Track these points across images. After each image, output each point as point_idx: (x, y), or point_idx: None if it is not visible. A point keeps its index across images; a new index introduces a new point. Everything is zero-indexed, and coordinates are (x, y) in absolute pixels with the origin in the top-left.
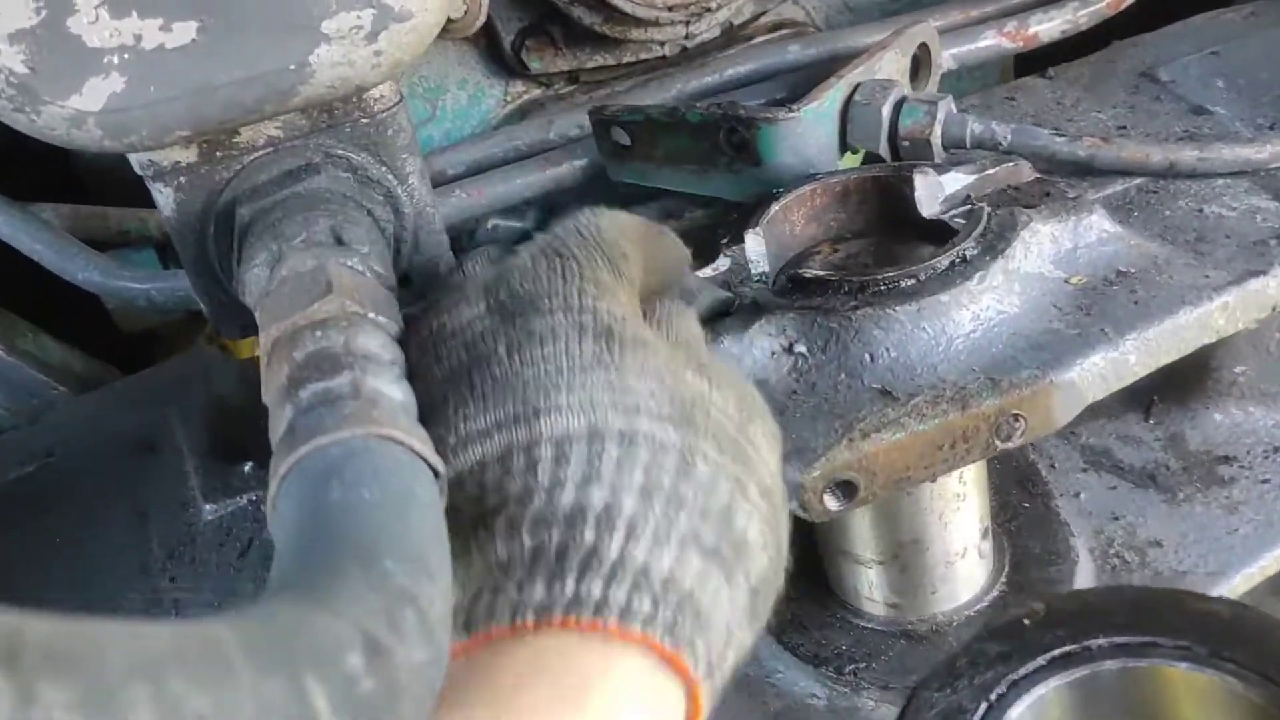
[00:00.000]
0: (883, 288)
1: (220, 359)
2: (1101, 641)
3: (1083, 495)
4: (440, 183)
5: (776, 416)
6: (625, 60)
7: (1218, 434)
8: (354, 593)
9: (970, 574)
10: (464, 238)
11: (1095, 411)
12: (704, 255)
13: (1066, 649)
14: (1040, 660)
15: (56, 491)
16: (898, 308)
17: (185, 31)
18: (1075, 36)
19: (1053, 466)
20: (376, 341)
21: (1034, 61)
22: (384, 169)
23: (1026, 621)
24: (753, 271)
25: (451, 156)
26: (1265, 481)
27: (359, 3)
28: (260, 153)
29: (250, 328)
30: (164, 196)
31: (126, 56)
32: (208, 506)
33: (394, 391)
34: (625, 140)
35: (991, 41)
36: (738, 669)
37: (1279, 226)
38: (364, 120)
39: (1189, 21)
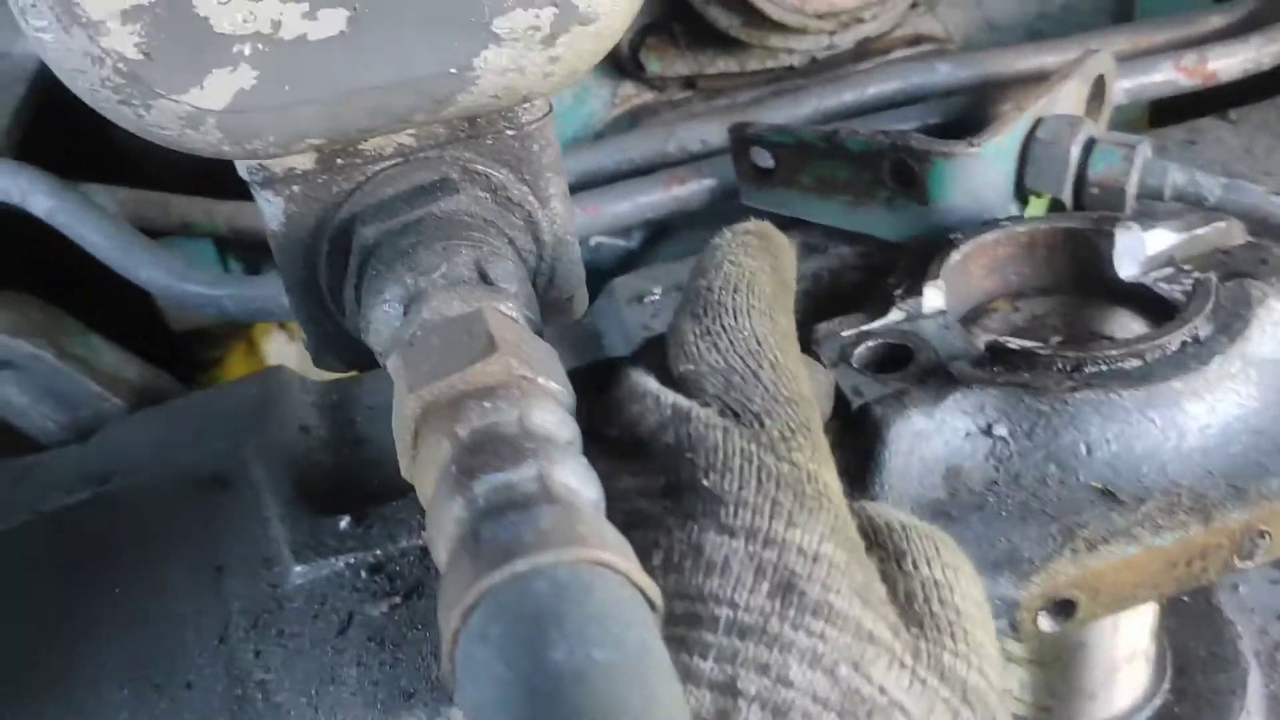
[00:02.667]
0: (1103, 367)
1: (297, 381)
2: None
3: (1242, 589)
4: None
5: (974, 512)
6: (750, 68)
7: None
8: None
9: (1134, 679)
10: None
11: None
12: (858, 301)
13: None
14: None
15: (114, 527)
16: (1123, 392)
17: (333, 21)
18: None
19: None
20: (554, 416)
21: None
22: (525, 189)
23: None
24: (933, 328)
25: None
26: None
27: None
28: (388, 163)
29: (358, 363)
30: (272, 207)
31: (261, 47)
32: (298, 568)
33: (586, 488)
34: (768, 163)
35: (1168, 76)
36: None
37: None
38: (509, 132)
39: None
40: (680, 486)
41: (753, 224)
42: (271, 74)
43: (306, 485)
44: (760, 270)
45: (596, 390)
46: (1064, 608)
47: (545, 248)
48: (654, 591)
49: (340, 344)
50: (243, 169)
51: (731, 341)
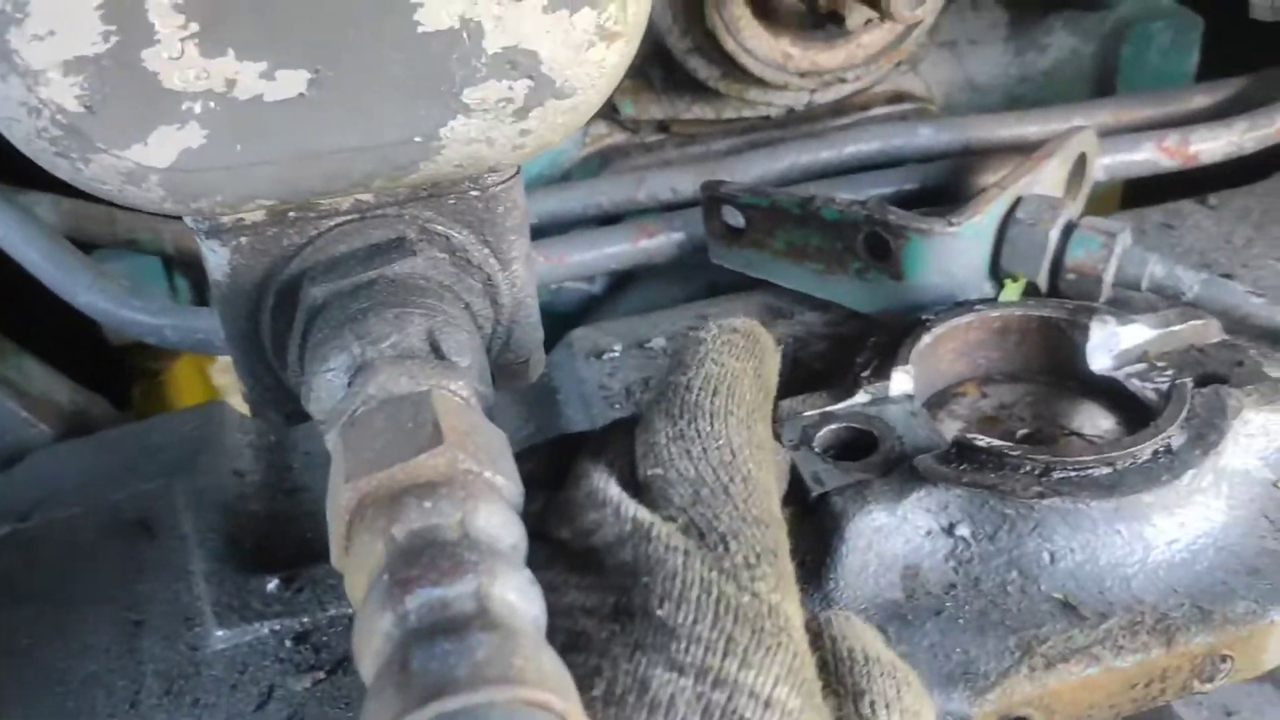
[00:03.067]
0: (1072, 473)
1: (236, 419)
2: None
3: None
4: None
5: (931, 618)
6: (725, 115)
7: None
8: None
9: None
10: None
11: None
12: (828, 377)
13: None
14: None
15: (30, 569)
16: (1092, 503)
17: (293, 82)
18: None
19: None
20: (498, 518)
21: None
22: (487, 252)
23: None
24: (899, 420)
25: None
26: None
27: (514, 71)
28: (343, 219)
29: (298, 419)
30: (217, 257)
31: (213, 105)
32: (219, 631)
33: (527, 604)
34: (739, 222)
35: (1149, 155)
36: None
37: None
38: (473, 193)
39: None
40: (631, 611)
41: (740, 322)
42: (223, 133)
43: (236, 537)
44: (743, 373)
45: (553, 474)
46: None
47: (503, 311)
48: None
49: (280, 398)
50: (188, 217)
51: (705, 449)
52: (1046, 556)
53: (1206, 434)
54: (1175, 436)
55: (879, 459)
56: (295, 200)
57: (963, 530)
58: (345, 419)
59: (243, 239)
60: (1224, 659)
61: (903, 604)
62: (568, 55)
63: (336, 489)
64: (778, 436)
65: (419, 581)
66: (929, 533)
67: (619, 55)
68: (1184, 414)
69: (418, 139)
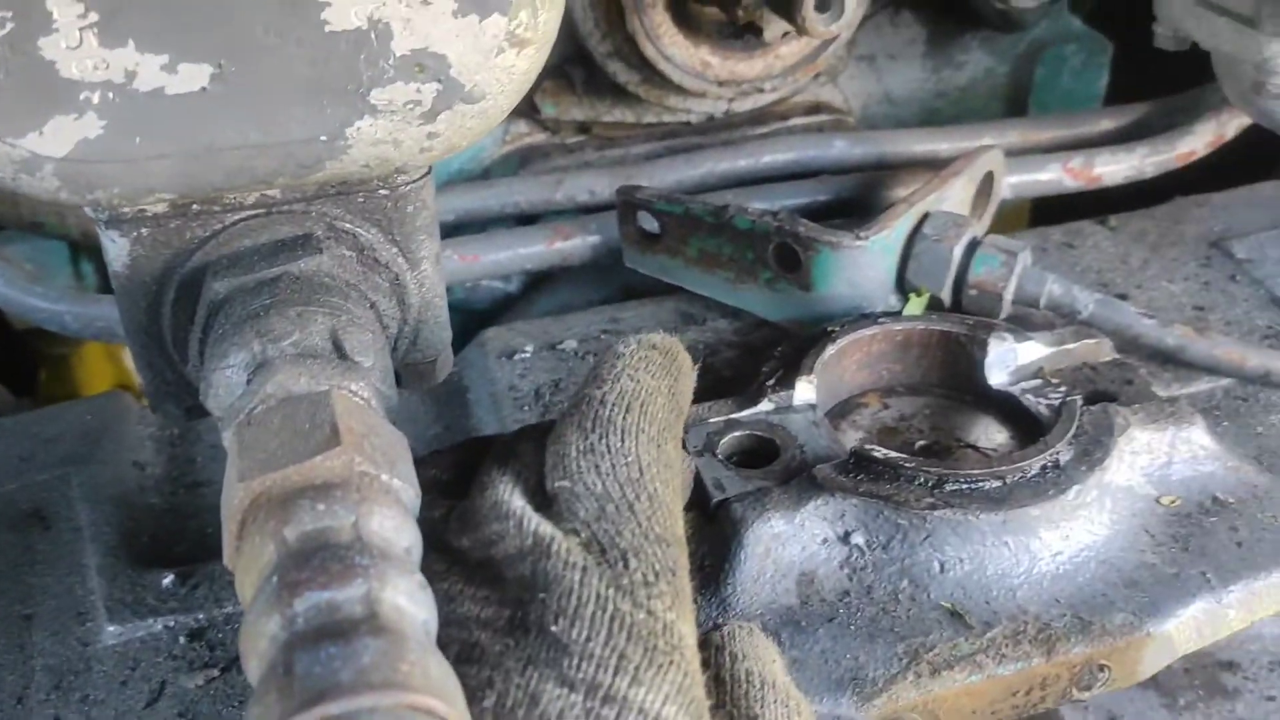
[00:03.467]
0: (964, 486)
1: (137, 410)
2: None
3: None
4: None
5: (824, 624)
6: (646, 120)
7: None
8: None
9: None
10: None
11: None
12: (735, 384)
13: None
14: None
15: None
16: (981, 515)
17: (195, 76)
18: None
19: None
20: (392, 522)
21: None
22: (395, 251)
23: None
24: (802, 429)
25: (440, 202)
26: (1270, 699)
27: (422, 73)
28: (248, 213)
29: (198, 412)
30: (116, 247)
31: (111, 96)
32: (111, 627)
33: (417, 609)
34: (654, 228)
35: (1054, 176)
36: None
37: None
38: (382, 191)
39: (1257, 188)
40: (527, 625)
41: (659, 339)
42: (121, 125)
43: (133, 530)
44: (658, 391)
45: (459, 478)
46: None
47: (410, 311)
48: None
49: (180, 392)
50: (88, 207)
51: (614, 465)
52: (937, 566)
53: (1093, 451)
54: (1063, 452)
55: (780, 467)
56: (196, 195)
57: (858, 539)
58: (242, 417)
59: (143, 230)
60: (1102, 668)
61: (797, 610)
62: (477, 60)
63: (230, 488)
64: (684, 444)
65: (308, 584)
66: (825, 541)
67: (529, 61)
68: (1073, 431)
69: (323, 138)
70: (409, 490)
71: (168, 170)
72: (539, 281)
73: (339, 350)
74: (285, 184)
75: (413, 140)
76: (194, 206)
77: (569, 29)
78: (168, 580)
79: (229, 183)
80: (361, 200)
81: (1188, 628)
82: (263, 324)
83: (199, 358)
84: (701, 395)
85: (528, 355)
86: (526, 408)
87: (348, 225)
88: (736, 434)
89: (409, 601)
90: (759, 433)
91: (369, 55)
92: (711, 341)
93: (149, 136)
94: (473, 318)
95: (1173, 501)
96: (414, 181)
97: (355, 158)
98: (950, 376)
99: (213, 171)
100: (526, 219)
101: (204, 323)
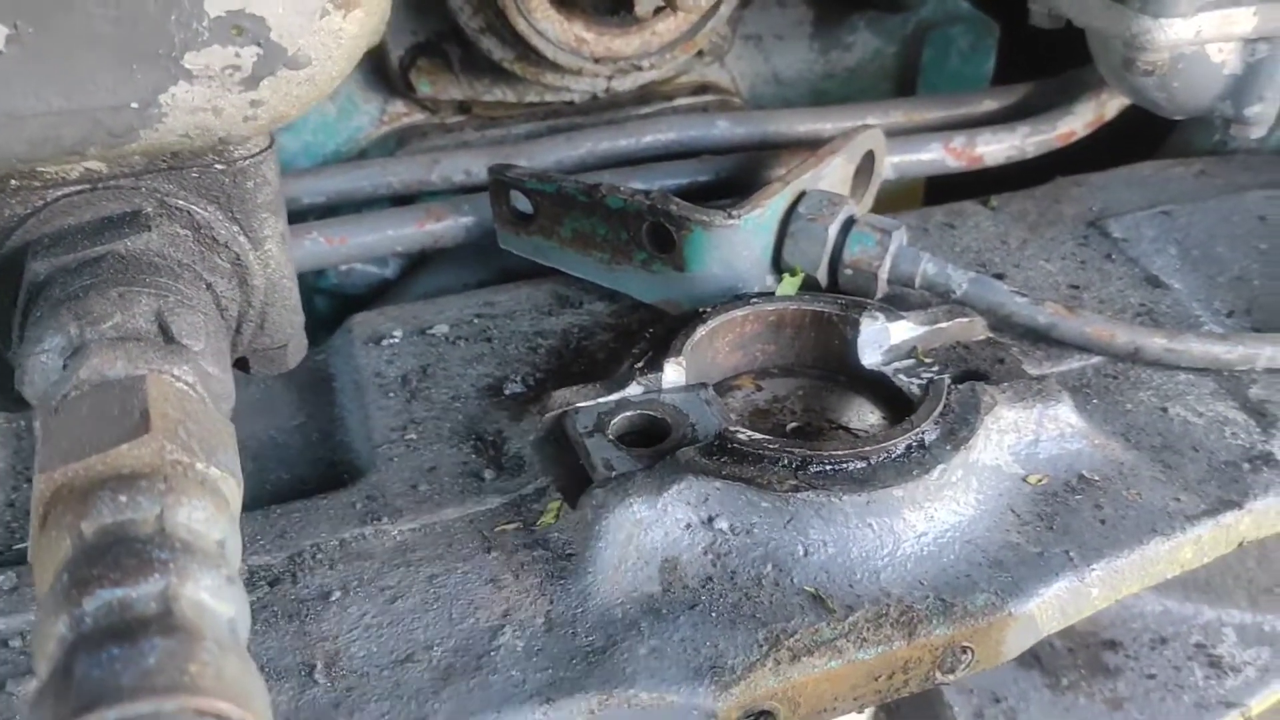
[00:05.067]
0: (828, 467)
1: None
2: None
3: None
4: (295, 213)
5: (686, 611)
6: (527, 99)
7: (1104, 614)
8: None
9: None
10: (311, 277)
11: None
12: (608, 368)
13: None
14: None
15: None
16: (844, 497)
17: None
18: (1021, 162)
19: None
20: (203, 513)
21: (953, 181)
22: (235, 229)
23: None
24: (669, 404)
25: (311, 183)
26: (1151, 677)
27: (239, 37)
28: (71, 189)
29: (26, 404)
30: None
31: None
32: None
33: (221, 605)
34: (527, 208)
35: (935, 156)
36: None
37: (1249, 445)
38: (218, 166)
39: (1135, 168)
40: None
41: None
42: None
43: None
44: None
45: None
46: (760, 717)
47: (255, 293)
48: None
49: (7, 382)
50: None
51: None
52: (800, 550)
53: (959, 429)
54: (929, 431)
55: (671, 446)
56: (1, 167)
57: (721, 524)
58: (52, 405)
59: None
60: (964, 650)
61: (659, 598)
62: (299, 23)
63: (35, 480)
64: (565, 428)
65: (99, 582)
66: (689, 526)
67: (357, 25)
68: (939, 409)
69: (134, 104)
70: (229, 480)
71: None
72: (415, 266)
73: (165, 333)
74: (100, 155)
75: (234, 108)
76: (12, 182)
77: (440, 3)
78: (1, 578)
79: (34, 153)
80: (196, 175)
81: (1050, 607)
82: (81, 305)
83: (19, 344)
84: (576, 378)
85: (396, 340)
86: (392, 394)
87: (180, 202)
88: (628, 414)
89: (212, 598)
90: (650, 412)
91: (180, 16)
92: (587, 325)
93: None
94: (347, 304)
95: (1039, 480)
96: (253, 156)
97: (172, 126)
98: (824, 357)
99: (15, 140)
100: (401, 201)
101: (24, 307)
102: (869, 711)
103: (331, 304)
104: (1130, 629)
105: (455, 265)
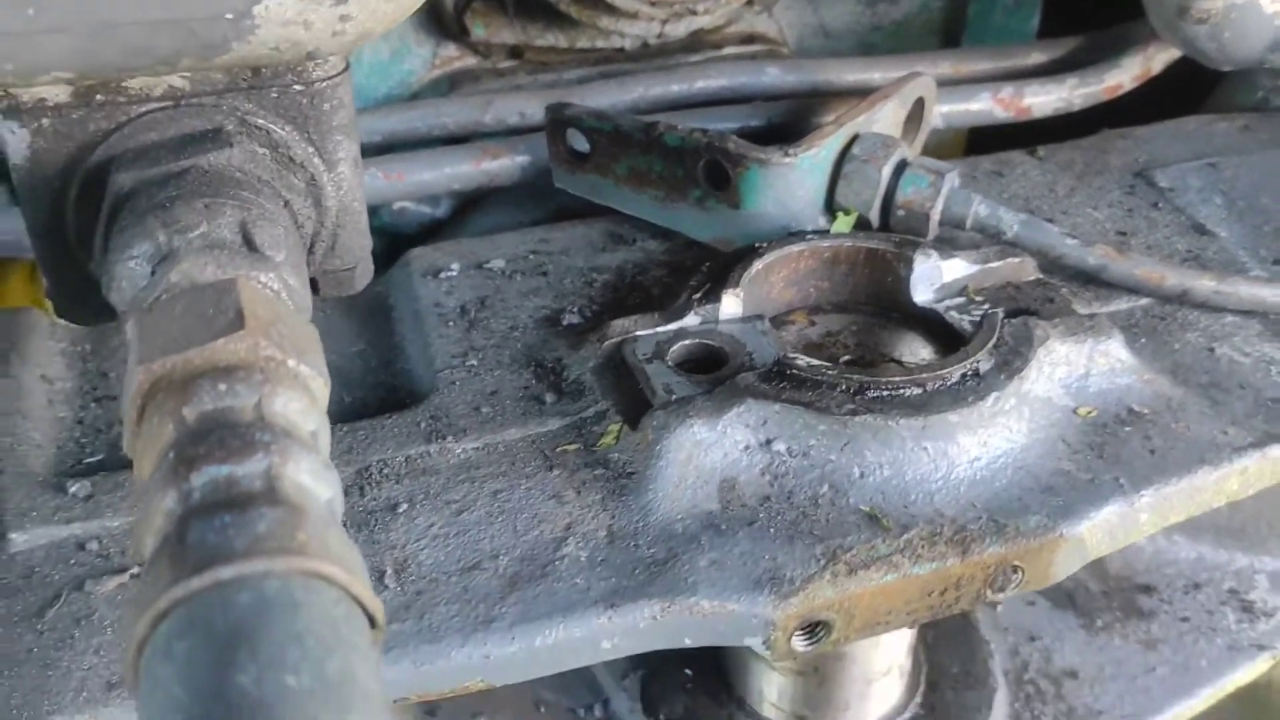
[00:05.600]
0: (884, 393)
1: (46, 326)
2: None
3: (999, 608)
4: None
5: (744, 527)
6: (579, 45)
7: (1139, 559)
8: None
9: (888, 692)
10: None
11: None
12: (664, 301)
13: None
14: None
15: None
16: (900, 421)
17: None
18: (1064, 117)
19: None
20: (298, 405)
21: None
22: (311, 150)
23: None
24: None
25: (367, 122)
26: (1184, 620)
27: None
28: (155, 105)
29: (106, 315)
30: (16, 139)
31: None
32: (14, 535)
33: (320, 487)
34: (583, 147)
35: (984, 106)
36: None
37: None
38: (297, 87)
39: (1180, 122)
40: None
41: None
42: None
43: (39, 443)
44: None
45: None
46: (819, 629)
47: (328, 214)
48: (375, 606)
49: (87, 294)
50: None
51: None
52: (856, 471)
53: (1012, 360)
54: (983, 361)
55: (729, 373)
56: (95, 75)
57: (779, 446)
58: (144, 306)
59: (44, 121)
60: (1015, 570)
61: (718, 515)
62: None
63: (130, 374)
64: (624, 355)
65: (205, 459)
66: (747, 448)
67: None
68: (993, 341)
69: (229, 15)
70: (318, 379)
71: (64, 46)
72: (467, 206)
73: (249, 243)
74: (191, 66)
75: (324, 22)
76: (98, 96)
77: None
78: (74, 488)
79: (129, 62)
80: (275, 95)
81: (1100, 530)
82: (168, 215)
83: (103, 254)
84: (629, 310)
85: (454, 274)
86: (451, 323)
87: (260, 121)
88: (686, 342)
89: (312, 479)
90: (708, 341)
91: None
92: (641, 261)
93: (43, 8)
94: (399, 242)
95: (1089, 412)
96: (331, 78)
97: (264, 39)
98: (876, 294)
99: (111, 49)
100: (455, 142)
101: (108, 217)
102: (908, 645)
103: (383, 243)
104: (1164, 574)
105: (507, 206)
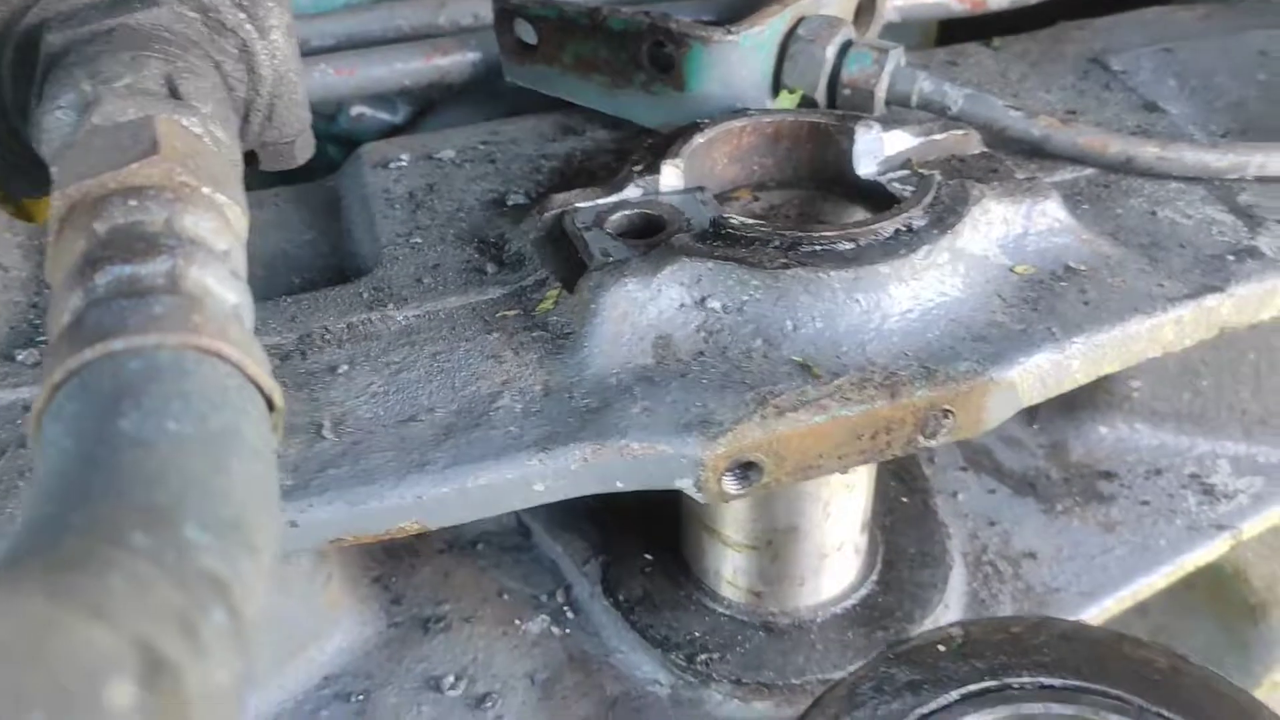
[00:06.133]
0: (817, 248)
1: (6, 221)
2: (1025, 680)
3: (960, 495)
4: (304, 53)
5: (677, 379)
6: None
7: (1101, 448)
8: (135, 580)
9: (842, 568)
10: (323, 124)
11: None
12: (608, 181)
13: (984, 684)
14: (953, 694)
15: None
16: (832, 272)
17: None
18: (1019, 11)
19: (932, 461)
20: (209, 225)
21: (962, 29)
22: (242, 16)
23: (941, 648)
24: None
25: (319, 25)
26: (1144, 503)
27: None
28: None
29: (47, 186)
30: None
31: None
32: None
33: (226, 291)
34: (531, 38)
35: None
36: None
37: (1235, 241)
38: None
39: (1140, 13)
40: None
41: None
42: None
43: None
44: None
45: None
46: (749, 471)
47: (263, 83)
48: (273, 389)
49: (29, 167)
50: None
51: None
52: (789, 324)
53: (946, 217)
54: (917, 218)
55: (666, 238)
56: None
57: (713, 303)
58: (65, 147)
59: None
60: (945, 413)
61: (652, 369)
62: None
63: (51, 203)
64: (564, 226)
65: (110, 261)
66: (682, 305)
67: None
68: (928, 199)
69: None
70: (235, 208)
71: None
72: (423, 111)
73: (173, 92)
74: None
75: None
76: None
77: None
78: (22, 356)
79: None
80: None
81: (1031, 376)
82: (94, 66)
83: (35, 115)
84: (571, 186)
85: (403, 163)
86: (398, 206)
87: None
88: (625, 212)
89: (217, 283)
90: (647, 210)
91: None
92: (590, 149)
93: None
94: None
95: (1026, 270)
96: None
97: None
98: (820, 169)
99: None
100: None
101: (41, 79)
102: (861, 521)
103: (343, 151)
104: (1125, 461)
105: (462, 108)
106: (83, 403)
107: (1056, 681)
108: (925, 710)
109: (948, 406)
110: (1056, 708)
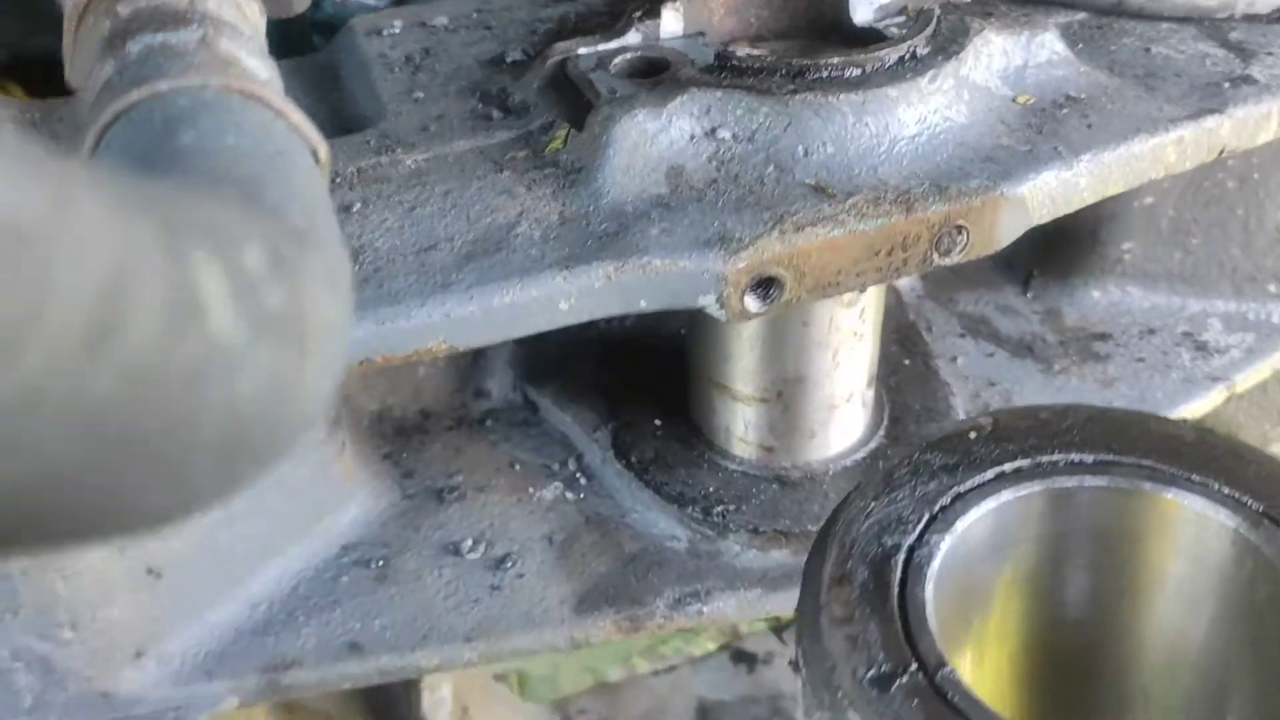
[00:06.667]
0: (824, 74)
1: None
2: (1056, 458)
3: (960, 360)
4: None
5: (693, 203)
6: None
7: (1095, 311)
8: (245, 215)
9: (851, 421)
10: (309, 10)
11: (973, 281)
12: (610, 27)
13: (1018, 464)
14: (989, 474)
15: None
16: (841, 96)
17: None
18: None
19: (930, 329)
20: (232, 11)
21: None
22: None
23: (973, 435)
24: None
25: None
26: (1140, 360)
27: None
28: None
29: (37, 30)
30: None
31: None
32: None
33: (258, 66)
34: None
35: None
36: None
37: (1229, 71)
38: None
39: None
40: None
41: None
42: None
43: None
44: None
45: None
46: (771, 286)
47: None
48: (318, 141)
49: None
50: None
51: None
52: (801, 150)
53: (948, 46)
54: (920, 48)
55: (671, 76)
56: None
57: (724, 133)
58: None
59: None
60: (959, 230)
61: (667, 196)
62: None
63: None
64: (568, 71)
65: (140, 31)
66: (693, 137)
67: None
68: (929, 31)
69: None
70: (253, 4)
71: None
72: None
73: None
74: None
75: None
76: None
77: None
78: None
79: None
80: None
81: (1040, 193)
82: None
83: None
84: (570, 37)
85: (396, 31)
86: (396, 69)
87: None
88: (628, 55)
89: (247, 55)
90: (650, 54)
91: None
92: (584, 12)
93: None
94: None
95: (1027, 100)
96: None
97: None
98: (816, 18)
99: None
100: None
101: None
102: (868, 374)
103: (327, 41)
104: (1119, 323)
105: None
106: (135, 133)
107: (1089, 457)
108: (962, 489)
109: (961, 222)
110: (1090, 480)
